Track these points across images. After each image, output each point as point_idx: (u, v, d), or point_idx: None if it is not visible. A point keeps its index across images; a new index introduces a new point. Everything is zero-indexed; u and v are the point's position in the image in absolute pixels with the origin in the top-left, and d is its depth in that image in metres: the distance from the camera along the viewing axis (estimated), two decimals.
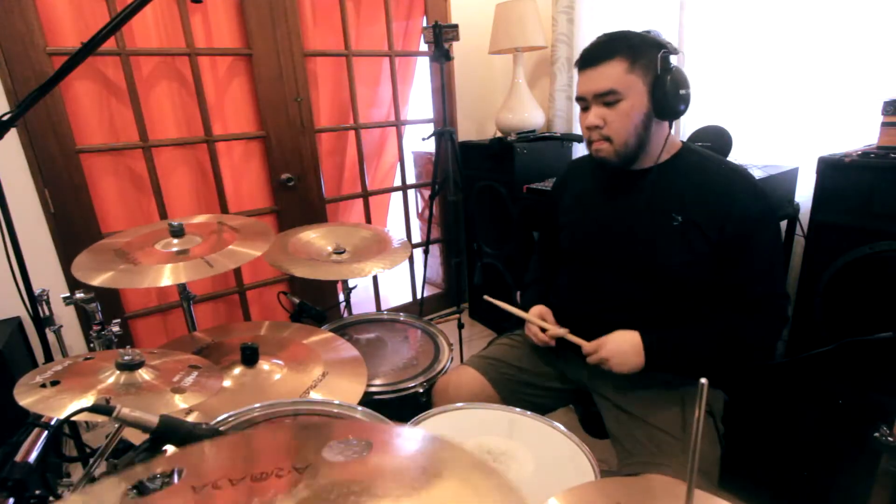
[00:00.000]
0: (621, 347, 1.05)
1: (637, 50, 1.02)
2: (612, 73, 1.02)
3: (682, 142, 1.13)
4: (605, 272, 1.15)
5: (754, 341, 1.06)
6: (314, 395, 1.04)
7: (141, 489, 0.44)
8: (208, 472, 0.44)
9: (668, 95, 1.01)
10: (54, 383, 0.77)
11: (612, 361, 1.04)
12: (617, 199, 1.15)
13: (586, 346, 1.09)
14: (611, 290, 1.15)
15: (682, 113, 1.05)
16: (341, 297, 2.45)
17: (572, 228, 1.24)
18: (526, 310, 1.24)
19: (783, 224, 1.66)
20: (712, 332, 1.06)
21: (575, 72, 2.33)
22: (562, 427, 0.97)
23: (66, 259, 1.81)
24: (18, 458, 0.77)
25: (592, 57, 1.05)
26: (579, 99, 1.09)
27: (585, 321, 1.16)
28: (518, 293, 1.43)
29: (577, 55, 2.29)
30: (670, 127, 1.09)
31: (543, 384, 1.24)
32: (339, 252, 1.55)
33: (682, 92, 1.03)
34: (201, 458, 0.47)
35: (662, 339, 1.05)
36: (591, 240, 1.18)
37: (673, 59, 1.03)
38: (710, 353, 1.06)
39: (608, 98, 1.03)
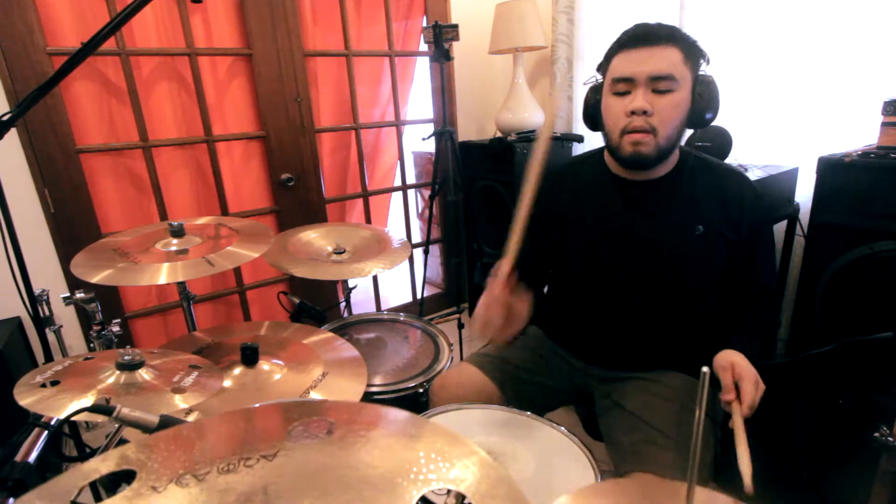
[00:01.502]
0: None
1: (690, 45, 0.95)
2: (673, 58, 0.92)
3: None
4: (629, 290, 1.08)
5: (769, 324, 1.17)
6: (314, 396, 1.04)
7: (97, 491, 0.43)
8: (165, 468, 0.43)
9: (707, 102, 0.95)
10: (54, 383, 0.77)
11: (761, 383, 0.90)
12: (636, 214, 1.07)
13: (745, 396, 0.87)
14: (636, 306, 1.09)
15: (709, 123, 1.00)
16: (341, 297, 2.46)
17: (588, 249, 1.11)
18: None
19: (783, 224, 1.66)
20: (753, 325, 1.06)
21: (575, 72, 2.36)
22: (562, 427, 0.97)
23: (65, 259, 1.81)
24: (18, 458, 0.77)
25: (653, 35, 0.93)
26: (623, 80, 0.95)
27: (609, 341, 1.13)
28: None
29: (577, 55, 2.33)
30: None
31: (545, 383, 1.22)
32: (339, 252, 1.56)
33: (715, 101, 0.98)
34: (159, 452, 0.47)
35: (742, 350, 0.95)
36: (615, 259, 1.08)
37: None
38: (760, 345, 1.06)
39: (663, 84, 0.92)
